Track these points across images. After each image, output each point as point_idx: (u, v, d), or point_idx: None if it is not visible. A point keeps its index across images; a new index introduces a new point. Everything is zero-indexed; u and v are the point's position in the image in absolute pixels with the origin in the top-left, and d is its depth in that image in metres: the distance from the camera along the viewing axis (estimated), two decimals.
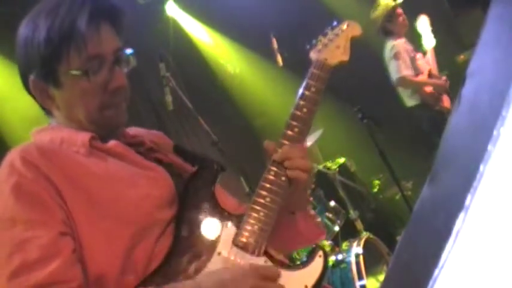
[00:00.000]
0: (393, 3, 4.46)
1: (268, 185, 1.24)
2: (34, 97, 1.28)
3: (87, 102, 1.23)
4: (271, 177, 1.24)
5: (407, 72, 4.37)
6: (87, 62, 1.20)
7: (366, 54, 4.88)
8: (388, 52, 4.47)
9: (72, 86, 1.22)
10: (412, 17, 4.57)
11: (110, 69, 1.23)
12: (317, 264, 1.23)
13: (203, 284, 1.10)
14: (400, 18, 4.49)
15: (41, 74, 1.22)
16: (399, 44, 4.44)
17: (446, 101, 4.51)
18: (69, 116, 1.26)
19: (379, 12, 4.49)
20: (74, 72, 1.20)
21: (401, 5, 4.52)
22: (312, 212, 1.46)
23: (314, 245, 1.30)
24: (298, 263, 1.24)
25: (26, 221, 1.09)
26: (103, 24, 1.23)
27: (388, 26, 4.50)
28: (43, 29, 1.19)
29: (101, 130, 1.27)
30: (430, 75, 4.48)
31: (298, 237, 1.39)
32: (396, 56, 4.40)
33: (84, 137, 1.23)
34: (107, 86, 1.23)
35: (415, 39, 4.66)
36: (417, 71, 4.45)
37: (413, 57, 4.47)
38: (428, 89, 4.46)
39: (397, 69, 4.39)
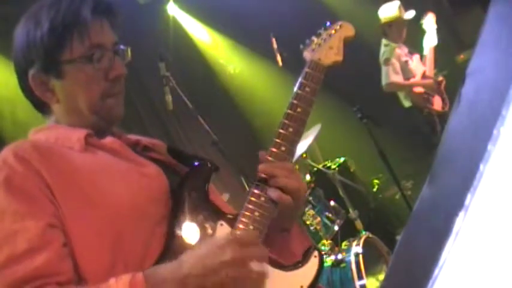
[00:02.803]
0: (403, 18, 4.50)
1: (254, 200, 1.23)
2: (30, 97, 1.30)
3: (90, 90, 1.25)
4: (255, 198, 1.23)
5: (395, 78, 4.49)
6: (89, 50, 1.24)
7: (366, 54, 4.88)
8: (380, 55, 4.56)
9: (75, 75, 1.24)
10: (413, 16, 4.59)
11: (110, 58, 1.26)
12: (312, 264, 1.23)
13: (184, 261, 1.09)
14: (402, 31, 4.56)
15: (43, 66, 1.24)
16: (390, 49, 4.53)
17: (436, 103, 4.55)
18: (70, 108, 1.27)
19: (387, 16, 4.51)
20: (79, 59, 1.23)
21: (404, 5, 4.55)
22: (301, 229, 1.43)
23: (309, 246, 1.30)
24: (295, 261, 1.24)
25: (15, 213, 1.09)
26: (103, 18, 1.27)
27: (386, 30, 4.56)
28: (46, 21, 1.22)
29: (101, 121, 1.29)
30: (423, 77, 4.53)
31: (290, 257, 1.35)
32: (385, 62, 4.52)
33: (79, 134, 1.24)
34: (108, 75, 1.26)
35: (415, 38, 4.66)
36: (408, 75, 4.52)
37: (405, 61, 4.54)
38: (418, 90, 4.51)
39: (385, 75, 4.53)
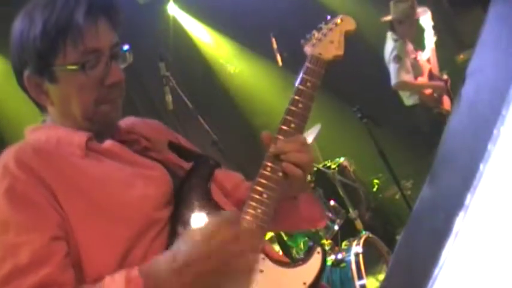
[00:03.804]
0: (417, 16, 4.40)
1: (264, 181, 1.23)
2: (28, 93, 1.26)
3: (83, 97, 1.21)
4: (267, 173, 1.23)
5: (406, 77, 4.33)
6: (84, 56, 1.18)
7: (366, 53, 4.88)
8: (388, 52, 4.42)
9: (68, 81, 1.20)
10: None
11: (106, 63, 1.21)
12: (315, 261, 1.23)
13: (179, 252, 1.07)
14: (413, 28, 4.43)
15: (36, 68, 1.20)
16: (400, 45, 4.37)
17: (446, 103, 4.48)
18: (64, 112, 1.24)
19: (401, 12, 4.40)
20: (71, 66, 1.18)
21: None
22: (314, 196, 1.44)
23: (312, 243, 1.30)
24: (297, 258, 1.24)
25: (19, 225, 1.07)
26: (100, 19, 1.20)
27: (396, 25, 4.43)
28: (39, 22, 1.17)
29: (95, 126, 1.25)
30: (430, 75, 4.46)
31: (300, 221, 1.40)
32: (395, 60, 4.34)
33: (80, 138, 1.21)
34: (104, 81, 1.21)
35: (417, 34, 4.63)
36: (418, 72, 4.41)
37: (414, 58, 4.43)
38: (428, 91, 4.43)
39: (396, 73, 4.34)
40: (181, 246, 1.07)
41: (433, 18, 4.51)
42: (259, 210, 1.21)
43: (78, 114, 1.23)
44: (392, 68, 4.37)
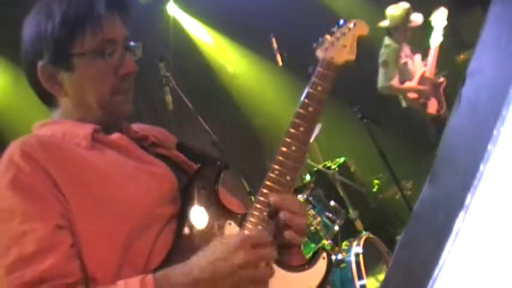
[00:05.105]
0: (411, 22, 4.47)
1: (263, 199, 1.23)
2: (37, 90, 1.28)
3: (100, 85, 1.24)
4: (266, 192, 1.23)
5: (389, 82, 4.51)
6: (101, 44, 1.22)
7: (366, 54, 4.87)
8: (379, 56, 4.59)
9: (85, 69, 1.23)
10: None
11: (121, 54, 1.25)
12: (321, 265, 1.22)
13: (195, 264, 1.09)
14: (407, 33, 4.55)
15: (53, 58, 1.22)
16: (389, 51, 4.53)
17: (432, 106, 4.54)
18: (78, 102, 1.26)
19: (395, 19, 4.47)
20: (90, 53, 1.21)
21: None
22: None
23: (318, 247, 1.30)
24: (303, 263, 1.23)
25: (23, 214, 1.08)
26: (116, 12, 1.26)
27: (391, 30, 4.54)
28: (58, 13, 1.20)
29: (107, 117, 1.27)
30: (422, 78, 4.51)
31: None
32: (383, 64, 4.55)
33: (86, 129, 1.23)
34: (118, 72, 1.24)
35: (415, 35, 4.65)
36: (406, 77, 4.52)
37: (404, 63, 4.54)
38: (413, 95, 4.53)
39: (381, 77, 4.56)
40: (200, 261, 1.09)
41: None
42: (265, 213, 1.21)
43: (93, 103, 1.25)
44: (379, 72, 4.60)
